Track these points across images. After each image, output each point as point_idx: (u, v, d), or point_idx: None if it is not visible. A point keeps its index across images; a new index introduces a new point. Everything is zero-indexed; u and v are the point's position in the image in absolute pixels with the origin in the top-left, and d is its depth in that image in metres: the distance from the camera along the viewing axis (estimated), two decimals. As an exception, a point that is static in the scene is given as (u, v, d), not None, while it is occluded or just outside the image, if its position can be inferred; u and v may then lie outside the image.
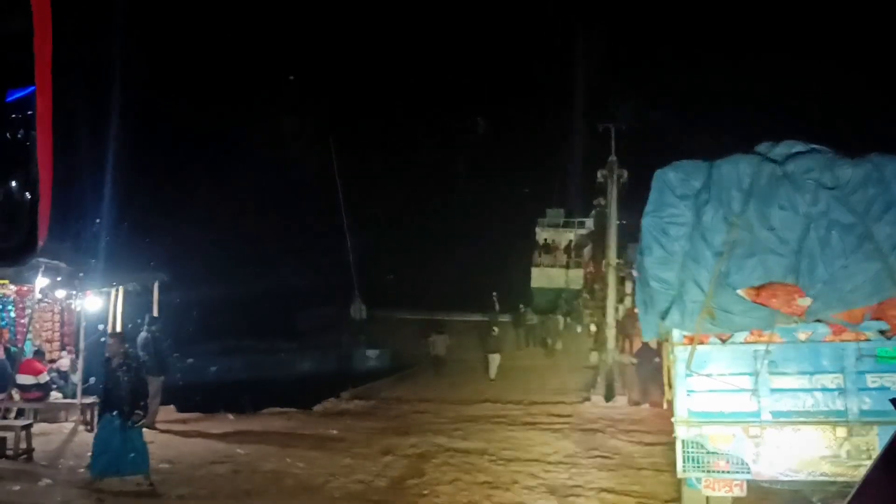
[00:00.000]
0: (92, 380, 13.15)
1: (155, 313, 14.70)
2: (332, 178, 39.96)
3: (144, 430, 13.01)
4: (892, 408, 6.41)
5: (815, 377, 7.43)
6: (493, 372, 24.28)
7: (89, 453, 9.91)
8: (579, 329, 32.98)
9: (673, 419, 7.72)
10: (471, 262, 44.72)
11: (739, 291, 7.55)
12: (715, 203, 7.74)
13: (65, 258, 12.50)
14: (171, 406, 15.77)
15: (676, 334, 7.79)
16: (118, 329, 13.94)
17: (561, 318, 32.22)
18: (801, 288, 7.44)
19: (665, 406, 8.55)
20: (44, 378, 13.41)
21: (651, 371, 17.78)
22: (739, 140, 8.60)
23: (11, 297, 14.65)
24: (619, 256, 24.84)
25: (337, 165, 39.75)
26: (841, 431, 7.27)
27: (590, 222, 42.64)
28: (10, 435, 10.92)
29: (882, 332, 7.35)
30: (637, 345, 20.32)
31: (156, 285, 15.02)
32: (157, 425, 13.73)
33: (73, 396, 13.56)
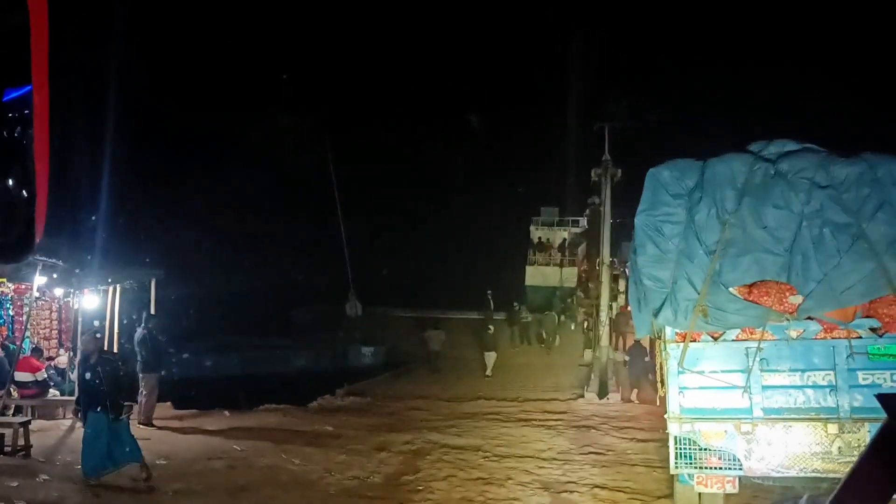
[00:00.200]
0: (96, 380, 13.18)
1: (152, 310, 14.73)
2: (328, 176, 39.97)
3: (142, 426, 13.16)
4: (884, 405, 6.47)
5: (807, 374, 7.50)
6: (489, 370, 24.35)
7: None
8: (573, 327, 33.09)
9: (666, 416, 7.79)
10: (465, 259, 44.85)
11: (732, 290, 7.61)
12: (708, 201, 7.80)
13: (62, 256, 12.53)
14: (168, 402, 15.80)
15: (669, 332, 7.86)
16: (94, 326, 13.97)
17: (556, 316, 32.28)
18: (794, 286, 7.49)
19: (658, 403, 8.62)
20: (41, 375, 13.47)
21: (642, 368, 17.93)
22: (733, 139, 8.66)
23: (9, 295, 14.68)
24: (612, 255, 24.92)
25: (333, 163, 39.77)
26: (832, 428, 7.34)
27: (584, 221, 42.81)
28: (7, 431, 10.93)
29: (873, 330, 7.41)
30: (630, 342, 20.44)
31: (153, 282, 15.05)
32: (154, 421, 13.77)
33: (71, 393, 13.57)
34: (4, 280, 13.49)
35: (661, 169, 8.13)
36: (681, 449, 7.65)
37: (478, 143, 57.30)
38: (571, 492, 9.77)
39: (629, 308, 9.40)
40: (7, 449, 10.82)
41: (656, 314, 7.84)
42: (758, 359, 7.54)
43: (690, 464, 7.65)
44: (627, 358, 19.43)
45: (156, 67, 39.37)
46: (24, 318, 14.31)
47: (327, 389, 20.72)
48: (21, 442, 10.93)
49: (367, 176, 50.72)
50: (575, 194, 44.71)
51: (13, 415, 12.44)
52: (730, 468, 7.55)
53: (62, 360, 15.04)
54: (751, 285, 7.62)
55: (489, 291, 33.19)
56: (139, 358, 13.82)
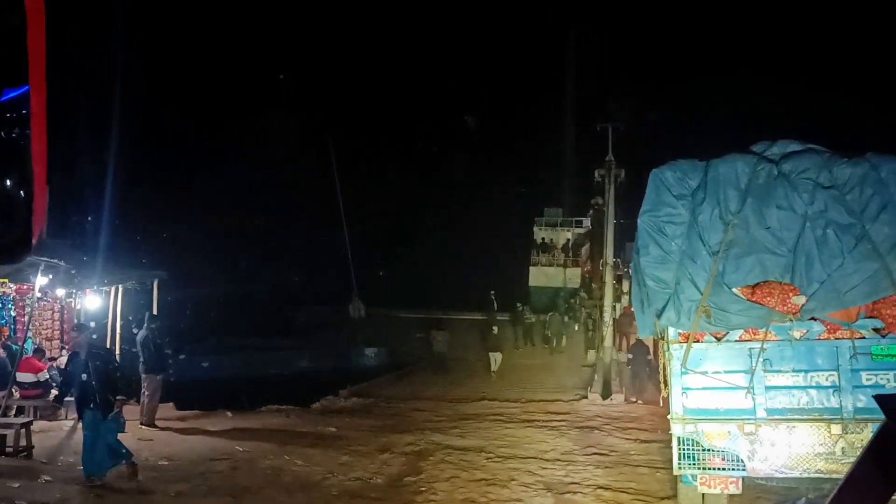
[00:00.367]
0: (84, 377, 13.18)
1: (154, 311, 14.73)
2: (330, 177, 40.02)
3: (145, 427, 13.16)
4: (886, 405, 6.45)
5: (810, 375, 7.48)
6: (494, 369, 24.33)
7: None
8: (577, 328, 33.06)
9: (669, 416, 7.77)
10: (469, 260, 44.81)
11: (735, 290, 7.60)
12: (711, 202, 7.79)
13: (64, 256, 12.54)
14: (170, 403, 15.80)
15: (672, 332, 7.83)
16: (80, 321, 13.94)
17: (562, 316, 32.26)
18: (797, 287, 7.49)
19: (661, 403, 8.60)
20: (43, 376, 13.45)
21: (643, 368, 17.91)
22: (736, 139, 8.64)
23: (11, 296, 14.69)
24: (616, 255, 24.91)
25: (335, 164, 39.81)
26: (836, 429, 7.32)
27: (587, 221, 42.78)
28: (9, 432, 10.93)
29: (877, 331, 7.40)
30: (633, 343, 20.40)
31: (155, 283, 15.05)
32: (157, 422, 13.77)
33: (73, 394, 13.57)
34: (6, 280, 13.49)
35: (664, 169, 8.12)
36: (684, 450, 7.63)
37: (481, 143, 57.34)
38: (574, 493, 9.74)
39: (632, 309, 9.37)
40: (9, 450, 10.81)
41: (659, 315, 7.83)
42: (761, 359, 7.52)
43: (694, 465, 7.63)
44: (629, 357, 19.39)
45: (157, 69, 39.40)
46: (26, 318, 14.31)
47: (330, 390, 20.70)
48: (23, 443, 10.93)
49: (370, 177, 50.85)
50: (578, 195, 44.69)
51: (15, 415, 12.44)
52: (733, 469, 7.53)
53: (64, 360, 15.03)
54: (754, 286, 7.61)
55: (493, 292, 33.18)
56: (141, 359, 13.83)
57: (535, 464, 11.37)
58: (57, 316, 15.87)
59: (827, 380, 7.43)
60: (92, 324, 14.95)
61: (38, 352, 14.09)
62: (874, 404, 7.24)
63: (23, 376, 12.98)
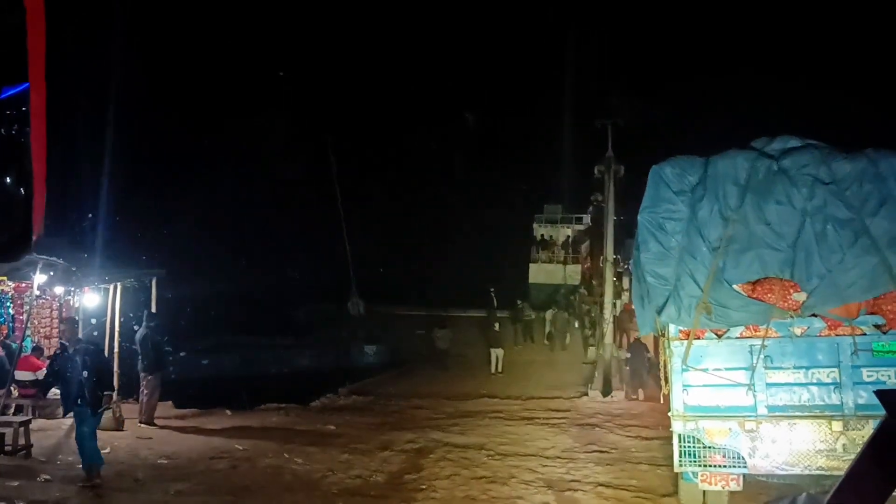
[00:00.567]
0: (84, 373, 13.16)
1: (153, 309, 14.71)
2: (329, 174, 39.97)
3: (144, 425, 13.16)
4: (888, 402, 6.43)
5: (811, 372, 7.47)
6: (497, 366, 24.30)
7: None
8: (577, 325, 33.04)
9: (669, 414, 7.76)
10: (469, 257, 44.74)
11: (736, 286, 7.58)
12: (711, 198, 7.78)
13: (62, 254, 12.51)
14: (169, 402, 15.79)
15: (673, 329, 7.83)
16: (70, 315, 13.90)
17: (566, 313, 32.27)
18: (797, 283, 7.48)
19: (662, 400, 8.58)
20: (42, 374, 13.41)
21: (643, 365, 17.92)
22: (735, 136, 8.63)
23: (10, 294, 14.66)
24: (616, 252, 24.87)
25: (335, 161, 39.76)
26: (837, 425, 7.31)
27: (587, 218, 42.73)
28: (8, 431, 10.90)
29: (878, 327, 7.40)
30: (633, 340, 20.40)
31: (153, 281, 15.02)
32: (156, 421, 13.76)
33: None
34: (5, 278, 13.46)
35: (663, 166, 8.10)
36: (685, 447, 7.63)
37: (481, 140, 57.28)
38: (575, 490, 9.73)
39: (633, 306, 9.36)
40: (7, 448, 10.78)
41: (660, 311, 7.82)
42: (762, 356, 7.52)
43: (694, 462, 7.62)
44: (628, 355, 19.38)
45: (154, 67, 39.33)
46: (25, 316, 14.28)
47: (330, 388, 20.69)
48: (21, 441, 10.91)
49: (370, 174, 50.78)
50: (578, 191, 44.64)
51: (13, 414, 12.42)
52: (734, 466, 7.53)
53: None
54: (754, 282, 7.60)
55: (492, 289, 33.13)
56: (140, 357, 13.81)
57: (535, 461, 11.36)
58: (55, 314, 15.81)
59: (828, 376, 7.42)
60: (93, 320, 14.96)
61: (37, 350, 14.06)
62: (875, 400, 7.23)
63: (21, 374, 12.96)
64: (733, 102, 40.86)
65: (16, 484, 9.25)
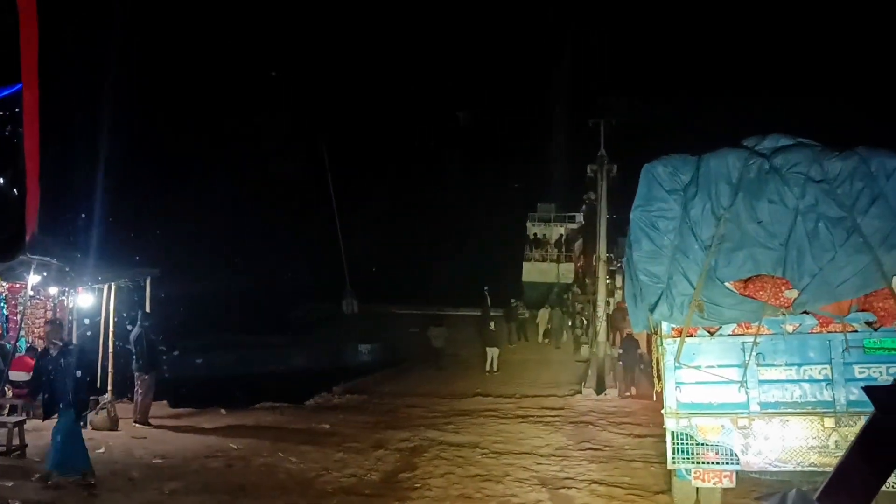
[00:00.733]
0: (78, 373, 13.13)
1: (147, 309, 14.70)
2: (324, 173, 39.97)
3: (138, 425, 13.16)
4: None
5: (803, 368, 7.51)
6: (492, 364, 24.32)
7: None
8: (569, 323, 33.11)
9: (663, 411, 7.79)
10: (462, 256, 44.81)
11: (728, 284, 7.62)
12: (703, 197, 7.80)
13: (56, 254, 12.48)
14: (164, 401, 15.79)
15: (665, 327, 7.86)
16: (55, 317, 13.88)
17: (562, 311, 32.37)
18: (789, 281, 7.52)
19: (655, 398, 8.62)
20: (37, 375, 13.40)
21: (635, 363, 17.99)
22: (727, 134, 8.66)
23: (3, 294, 14.62)
24: (609, 250, 24.92)
25: (329, 160, 39.77)
26: (829, 422, 7.34)
27: (580, 217, 42.83)
28: (2, 431, 10.88)
29: (869, 324, 7.44)
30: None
31: (148, 281, 15.00)
32: (150, 420, 13.76)
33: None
34: (-1, 279, 13.43)
35: (655, 164, 8.12)
36: (678, 444, 7.66)
37: (475, 139, 57.30)
38: (569, 488, 9.77)
39: (626, 304, 9.39)
40: (2, 449, 10.77)
41: (652, 309, 7.85)
42: (754, 353, 7.55)
43: (688, 459, 7.65)
44: (620, 351, 19.45)
45: (149, 67, 39.21)
46: (19, 317, 14.25)
47: (324, 387, 20.70)
48: (16, 442, 10.89)
49: (363, 173, 50.74)
50: (571, 190, 44.73)
51: (8, 414, 12.40)
52: (727, 463, 7.56)
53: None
54: (746, 280, 7.64)
55: (486, 288, 33.18)
56: (134, 357, 13.81)
57: (529, 459, 11.39)
58: (50, 314, 15.79)
59: (820, 373, 7.45)
60: (86, 321, 14.92)
61: (31, 350, 14.03)
62: (867, 397, 7.29)
63: (15, 375, 12.92)
64: (725, 101, 40.95)
65: (10, 484, 9.24)
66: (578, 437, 13.20)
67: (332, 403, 18.92)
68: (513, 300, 33.04)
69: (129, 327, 14.41)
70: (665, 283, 7.76)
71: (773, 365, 7.57)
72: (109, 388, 14.06)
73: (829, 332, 7.49)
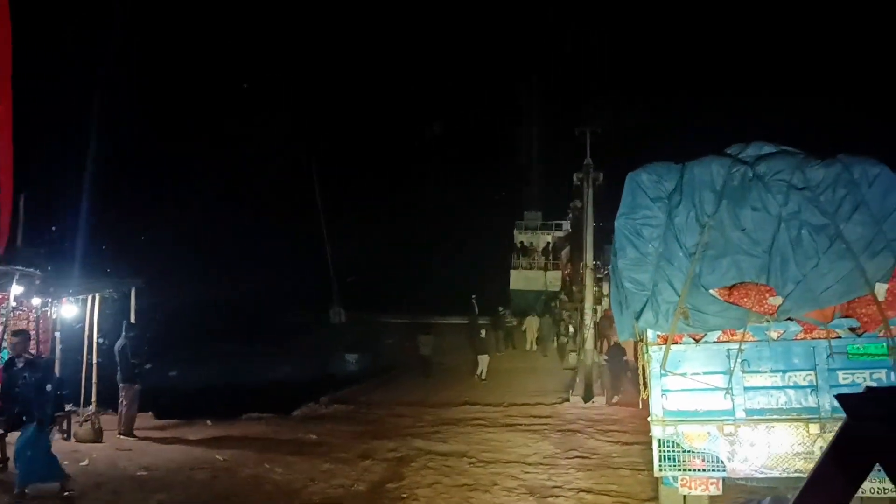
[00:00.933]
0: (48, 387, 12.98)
1: (132, 319, 14.61)
2: (311, 183, 39.95)
3: (123, 436, 13.05)
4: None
5: (788, 375, 7.53)
6: (483, 372, 24.29)
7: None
8: (557, 331, 33.17)
9: (649, 419, 7.80)
10: (450, 265, 44.86)
11: (712, 291, 7.64)
12: (687, 204, 7.83)
13: (39, 265, 12.39)
14: (149, 413, 15.67)
15: (651, 334, 7.87)
16: (21, 328, 13.75)
17: (550, 320, 32.43)
18: (773, 288, 7.54)
19: (641, 406, 8.62)
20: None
21: (621, 370, 18.02)
22: (711, 142, 8.70)
23: (-15, 306, 14.47)
24: (596, 258, 25.00)
25: (315, 169, 39.75)
26: (814, 428, 7.36)
27: (567, 224, 42.98)
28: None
29: (852, 330, 7.47)
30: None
31: (132, 291, 14.91)
32: (135, 432, 13.65)
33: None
34: (-21, 291, 13.30)
35: (640, 172, 8.14)
36: (664, 451, 7.66)
37: (461, 149, 57.46)
38: (557, 496, 9.76)
39: (612, 311, 9.41)
40: (-15, 462, 10.66)
41: (638, 317, 7.86)
42: (739, 360, 7.57)
43: (674, 466, 7.65)
44: (606, 358, 19.49)
45: (132, 77, 39.15)
46: (1, 328, 14.11)
47: (311, 397, 20.59)
48: (-1, 455, 10.78)
49: (351, 183, 50.76)
50: (558, 198, 44.91)
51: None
52: (713, 470, 7.56)
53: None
54: (731, 287, 7.66)
55: (473, 296, 33.21)
56: (119, 368, 13.72)
57: (517, 468, 11.38)
58: (32, 325, 15.64)
59: (804, 379, 7.48)
60: (57, 334, 14.78)
61: (14, 362, 13.89)
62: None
63: (-3, 387, 12.80)
64: (709, 109, 41.26)
65: (-8, 498, 9.16)
66: (566, 445, 13.20)
67: (318, 413, 18.83)
68: (500, 308, 33.09)
69: (105, 342, 14.28)
70: (650, 290, 7.77)
71: (758, 371, 7.59)
72: (94, 399, 13.95)
73: (813, 338, 7.52)
